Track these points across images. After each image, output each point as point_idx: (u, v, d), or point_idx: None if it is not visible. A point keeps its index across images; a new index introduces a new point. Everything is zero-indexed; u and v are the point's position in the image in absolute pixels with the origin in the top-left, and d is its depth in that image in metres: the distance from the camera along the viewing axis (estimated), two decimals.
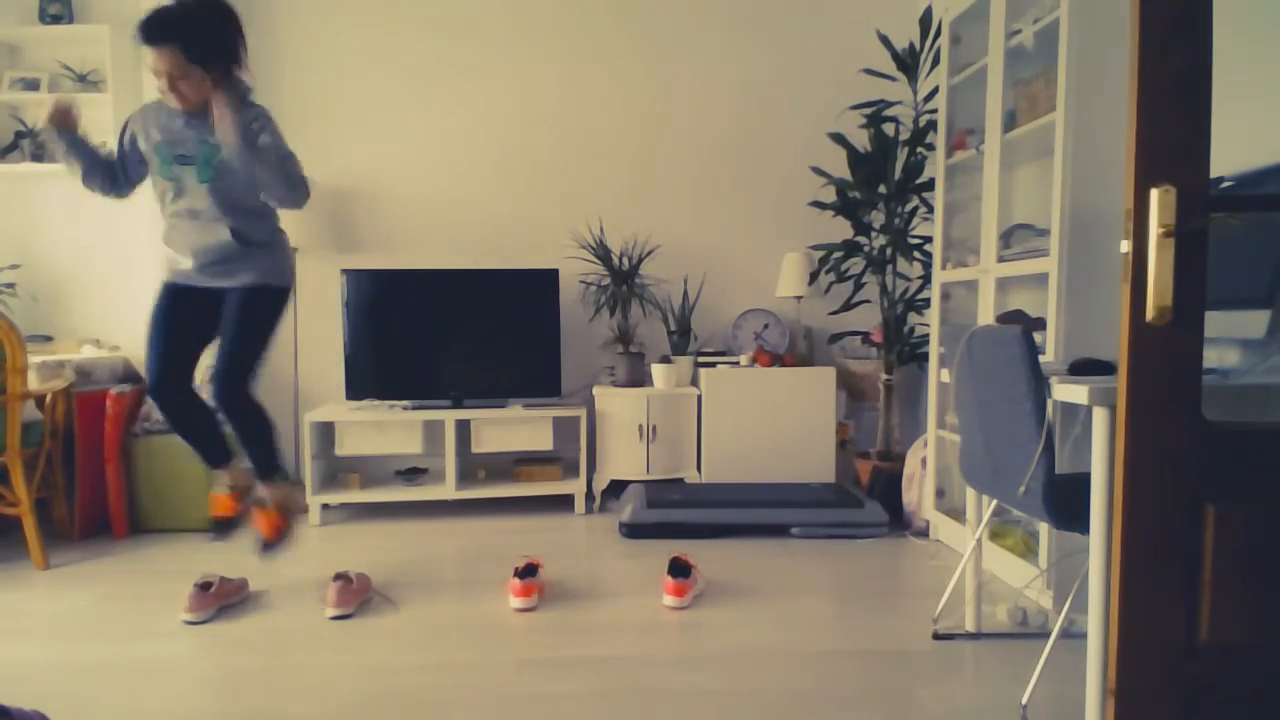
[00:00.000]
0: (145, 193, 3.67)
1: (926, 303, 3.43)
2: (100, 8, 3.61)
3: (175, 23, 2.09)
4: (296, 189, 2.30)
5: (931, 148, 3.35)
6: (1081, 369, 1.75)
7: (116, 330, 3.72)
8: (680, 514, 3.09)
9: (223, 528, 2.43)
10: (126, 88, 3.53)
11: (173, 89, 2.15)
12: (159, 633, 2.18)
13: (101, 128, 3.61)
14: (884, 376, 3.50)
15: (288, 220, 3.43)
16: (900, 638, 2.13)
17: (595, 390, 3.54)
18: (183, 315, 2.36)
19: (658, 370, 3.55)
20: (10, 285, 3.66)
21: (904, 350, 3.52)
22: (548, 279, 3.56)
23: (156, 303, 2.35)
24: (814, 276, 3.68)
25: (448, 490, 3.42)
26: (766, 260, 3.93)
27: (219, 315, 2.35)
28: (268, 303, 2.38)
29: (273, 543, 2.42)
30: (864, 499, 3.19)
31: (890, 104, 3.39)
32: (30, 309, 3.70)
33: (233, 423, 2.37)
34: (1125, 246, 1.28)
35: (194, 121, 2.25)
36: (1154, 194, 1.25)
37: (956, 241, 3.06)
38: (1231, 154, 2.00)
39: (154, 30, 2.07)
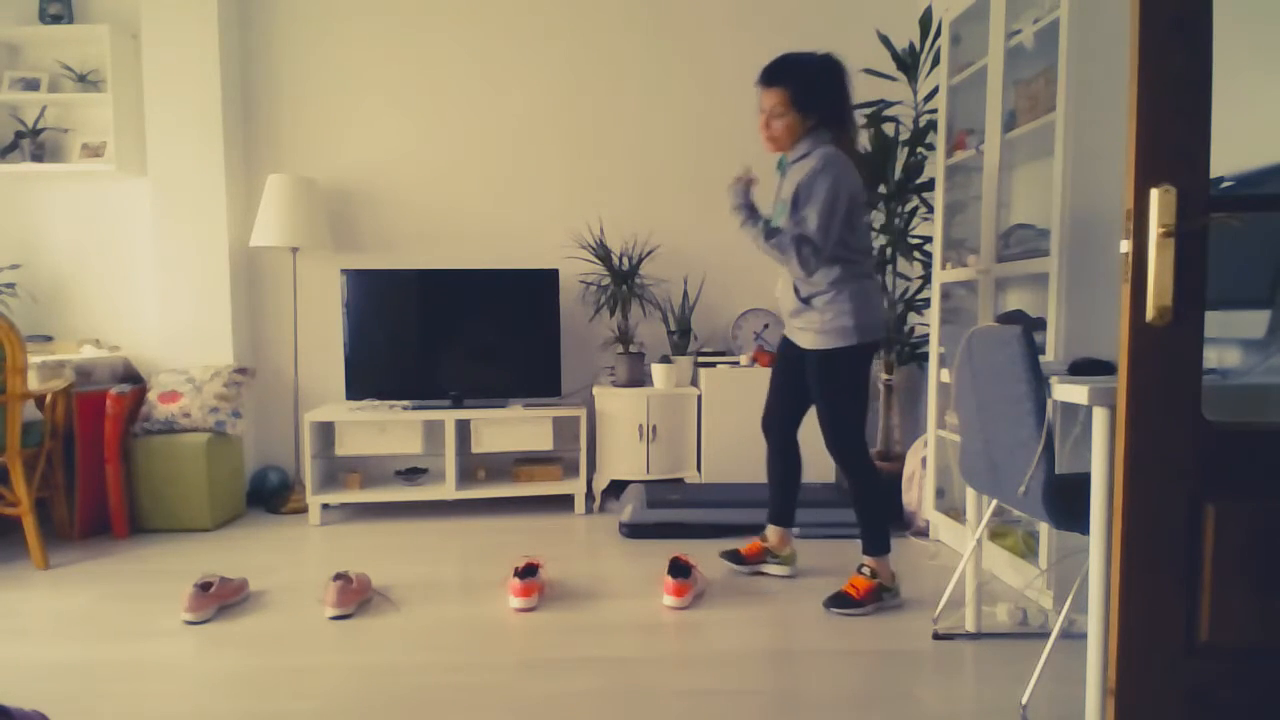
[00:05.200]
0: (142, 192, 3.68)
1: (926, 303, 3.43)
2: (100, 8, 3.61)
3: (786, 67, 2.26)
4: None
5: (931, 148, 3.35)
6: (1081, 369, 1.75)
7: (116, 330, 3.72)
8: (680, 514, 3.09)
9: (842, 602, 2.35)
10: (126, 88, 3.53)
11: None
12: (159, 633, 2.18)
13: (101, 128, 3.62)
14: (884, 376, 3.50)
15: (288, 218, 3.44)
16: (900, 638, 2.13)
17: (595, 390, 3.54)
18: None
19: (658, 370, 3.55)
20: (10, 285, 3.65)
21: (904, 350, 3.52)
22: (548, 279, 3.56)
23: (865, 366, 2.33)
24: None
25: (448, 490, 3.42)
26: (766, 260, 3.92)
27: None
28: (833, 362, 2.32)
29: (847, 600, 2.33)
30: None
31: (890, 104, 3.39)
32: (30, 309, 3.70)
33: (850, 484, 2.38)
34: (1125, 246, 1.28)
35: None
36: (1154, 194, 1.25)
37: (956, 241, 3.06)
38: (1231, 154, 1.99)
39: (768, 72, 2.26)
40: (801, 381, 2.44)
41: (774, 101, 2.24)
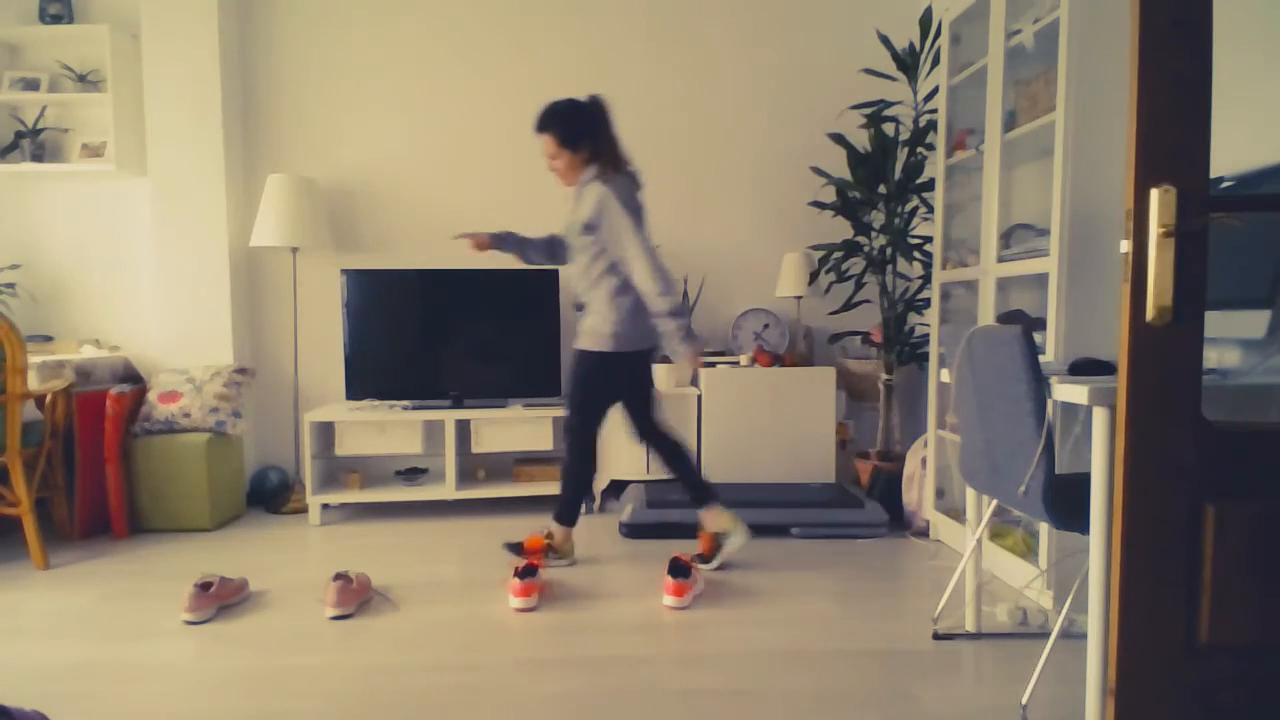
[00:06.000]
0: (142, 192, 3.68)
1: (926, 303, 3.43)
2: (100, 8, 3.62)
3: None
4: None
5: (931, 148, 3.35)
6: (1081, 369, 1.75)
7: (116, 330, 3.72)
8: (680, 514, 3.09)
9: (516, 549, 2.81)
10: (126, 88, 3.53)
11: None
12: (159, 633, 2.18)
13: (101, 127, 3.62)
14: (884, 376, 3.50)
15: (288, 218, 3.44)
16: (900, 638, 2.13)
17: None
18: None
19: (658, 370, 3.55)
20: (10, 285, 3.66)
21: (904, 350, 3.52)
22: (548, 279, 3.56)
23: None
24: (814, 276, 3.69)
25: (448, 490, 3.42)
26: (766, 260, 3.93)
27: None
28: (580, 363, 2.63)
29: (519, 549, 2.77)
30: (864, 499, 3.19)
31: (890, 104, 3.39)
32: (30, 309, 3.70)
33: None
34: (1125, 246, 1.28)
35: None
36: (1154, 194, 1.25)
37: (956, 241, 3.06)
38: (1231, 154, 2.00)
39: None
40: None
41: (548, 147, 2.56)
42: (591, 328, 2.57)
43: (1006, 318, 2.54)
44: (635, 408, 2.68)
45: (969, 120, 2.95)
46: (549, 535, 2.72)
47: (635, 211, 2.51)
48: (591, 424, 2.61)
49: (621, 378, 2.61)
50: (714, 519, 2.70)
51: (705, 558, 2.71)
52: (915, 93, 3.40)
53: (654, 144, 3.87)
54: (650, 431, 2.69)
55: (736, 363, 3.62)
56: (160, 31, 3.47)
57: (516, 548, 2.77)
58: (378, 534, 3.18)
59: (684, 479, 2.71)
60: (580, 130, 2.55)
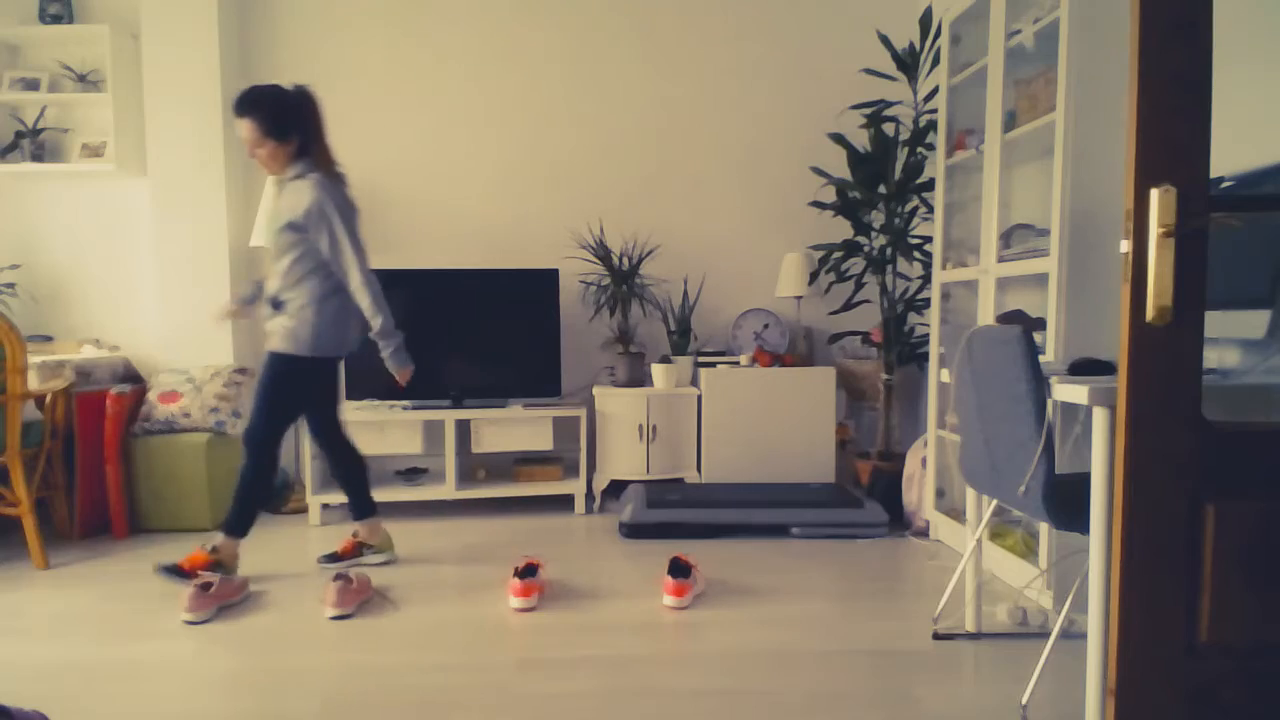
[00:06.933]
0: (142, 192, 3.68)
1: (926, 303, 3.43)
2: (100, 8, 3.62)
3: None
4: None
5: (931, 148, 3.35)
6: (1081, 369, 1.75)
7: (116, 330, 3.72)
8: (680, 514, 3.09)
9: (175, 571, 2.52)
10: (126, 88, 3.53)
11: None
12: (159, 633, 2.18)
13: (101, 128, 3.62)
14: (884, 376, 3.50)
15: None
16: (900, 638, 2.13)
17: (595, 390, 3.54)
18: None
19: (658, 370, 3.55)
20: (10, 285, 3.66)
21: (904, 350, 3.52)
22: (548, 279, 3.56)
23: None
24: (814, 276, 3.69)
25: (448, 490, 3.42)
26: (766, 260, 3.93)
27: None
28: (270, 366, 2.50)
29: (180, 572, 2.50)
30: (864, 499, 3.19)
31: (890, 104, 3.39)
32: (30, 309, 3.70)
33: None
34: (1125, 246, 1.28)
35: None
36: (1154, 194, 1.25)
37: (956, 241, 3.06)
38: (1231, 154, 2.00)
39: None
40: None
41: (247, 132, 2.39)
42: (287, 329, 2.44)
43: (1006, 318, 2.54)
44: (322, 413, 2.65)
45: (969, 120, 2.95)
46: (214, 550, 2.49)
47: (351, 215, 2.45)
48: (278, 433, 2.49)
49: (314, 383, 2.54)
50: (371, 532, 2.75)
51: (339, 557, 2.73)
52: (915, 93, 3.40)
53: (655, 145, 3.87)
54: (333, 439, 2.68)
55: (736, 363, 3.62)
56: (160, 31, 3.47)
57: (173, 570, 2.46)
58: None
59: (352, 491, 2.72)
60: (287, 121, 2.40)
